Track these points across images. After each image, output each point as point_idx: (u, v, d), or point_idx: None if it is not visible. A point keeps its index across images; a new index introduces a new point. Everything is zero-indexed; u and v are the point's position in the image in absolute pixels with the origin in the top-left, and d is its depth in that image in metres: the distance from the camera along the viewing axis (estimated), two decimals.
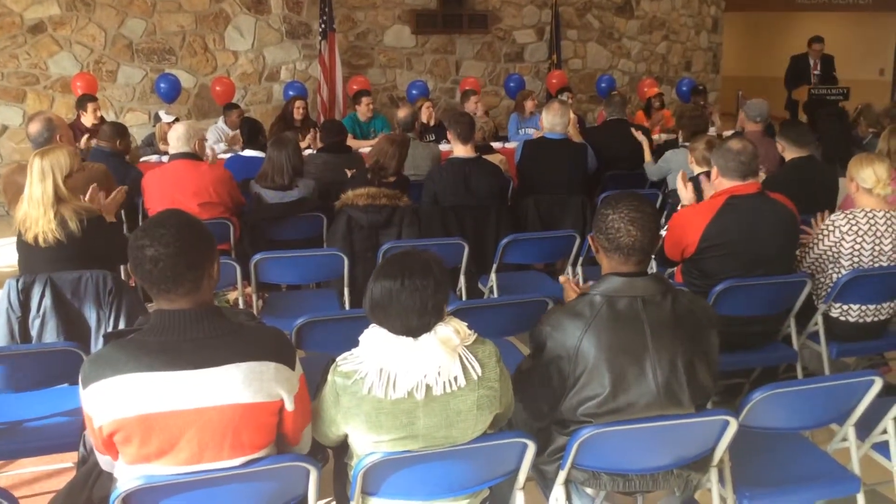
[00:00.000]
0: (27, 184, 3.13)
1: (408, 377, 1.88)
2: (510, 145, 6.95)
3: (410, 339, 1.91)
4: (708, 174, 3.48)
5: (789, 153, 4.42)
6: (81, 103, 6.74)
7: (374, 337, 1.94)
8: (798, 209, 3.33)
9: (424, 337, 1.92)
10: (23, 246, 3.14)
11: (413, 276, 1.90)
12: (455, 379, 1.90)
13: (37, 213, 3.09)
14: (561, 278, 2.69)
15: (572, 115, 5.44)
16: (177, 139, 4.43)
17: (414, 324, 1.91)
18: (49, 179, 3.10)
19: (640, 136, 5.91)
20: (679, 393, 2.06)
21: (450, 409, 1.91)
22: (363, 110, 7.59)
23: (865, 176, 3.29)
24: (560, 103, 5.25)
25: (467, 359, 1.94)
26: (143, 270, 1.76)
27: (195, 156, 4.45)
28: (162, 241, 1.75)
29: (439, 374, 1.89)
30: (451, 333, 1.93)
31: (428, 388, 1.89)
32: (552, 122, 5.09)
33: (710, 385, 2.14)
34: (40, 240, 3.07)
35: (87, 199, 3.34)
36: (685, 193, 3.55)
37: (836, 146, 5.58)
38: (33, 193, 3.10)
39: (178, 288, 1.78)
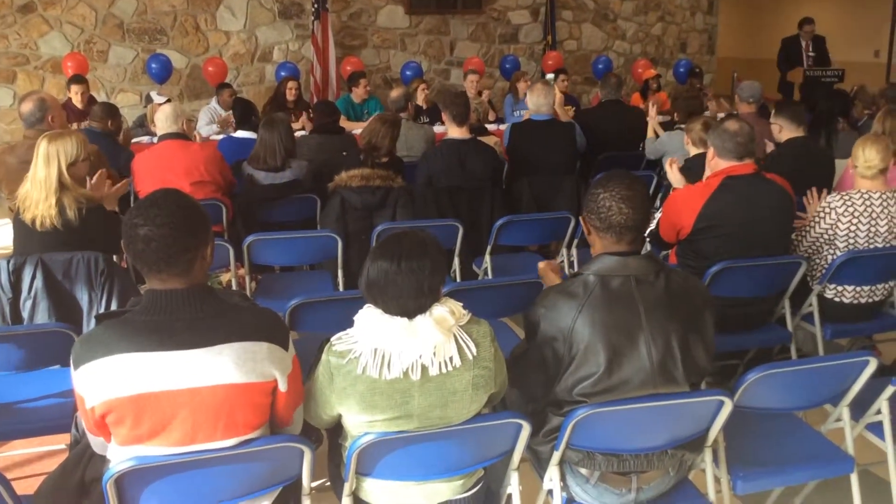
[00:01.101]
0: (32, 165, 3.11)
1: (403, 357, 1.87)
2: (504, 127, 6.89)
3: (405, 319, 1.90)
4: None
5: (786, 133, 4.40)
6: (69, 84, 6.68)
7: (369, 317, 1.93)
8: (794, 190, 3.33)
9: (419, 317, 1.90)
10: (19, 224, 3.11)
11: (410, 258, 1.89)
12: (451, 359, 1.90)
13: (38, 195, 3.07)
14: (541, 265, 2.67)
15: (558, 95, 5.38)
16: (164, 119, 4.40)
17: (410, 305, 1.90)
18: (54, 165, 3.07)
19: (649, 108, 5.83)
20: (673, 371, 2.06)
21: (445, 389, 1.90)
22: (360, 92, 7.52)
23: (857, 154, 3.35)
24: (543, 83, 5.19)
25: (462, 339, 1.93)
26: (136, 250, 1.74)
27: (183, 135, 4.42)
28: (155, 221, 1.73)
29: (434, 354, 1.88)
30: (445, 314, 1.92)
31: (423, 368, 1.88)
32: (537, 103, 5.05)
33: (705, 364, 2.14)
34: (37, 223, 3.05)
35: (92, 182, 3.31)
36: (674, 177, 3.55)
37: (828, 124, 5.59)
38: (37, 175, 3.08)
39: (171, 268, 1.76)
